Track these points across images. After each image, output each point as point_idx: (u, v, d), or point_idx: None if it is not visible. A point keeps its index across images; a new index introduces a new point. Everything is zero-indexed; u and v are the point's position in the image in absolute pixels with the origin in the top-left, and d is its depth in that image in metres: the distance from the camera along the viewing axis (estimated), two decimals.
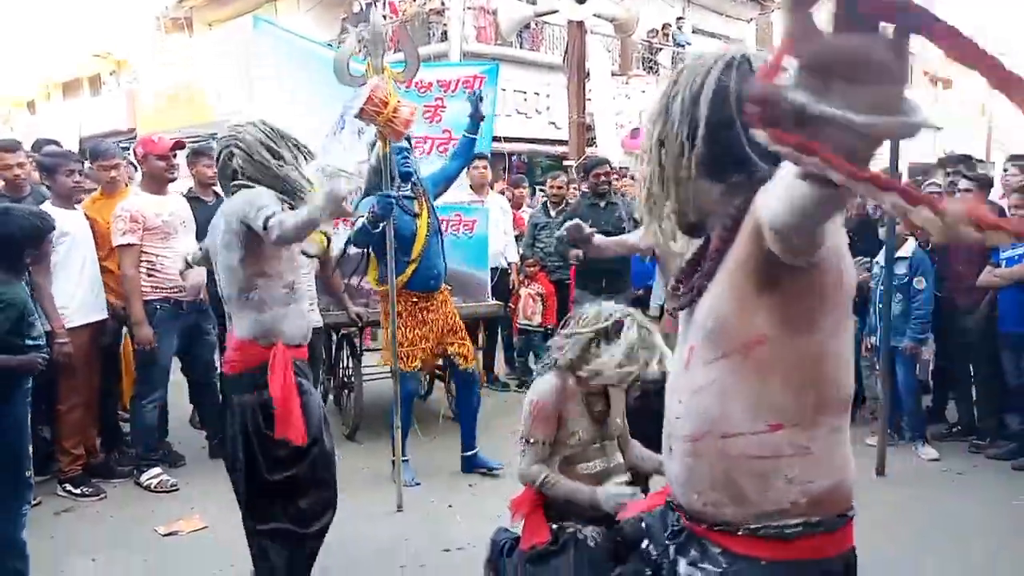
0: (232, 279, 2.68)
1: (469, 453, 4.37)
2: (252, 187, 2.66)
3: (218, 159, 2.77)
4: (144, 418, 4.13)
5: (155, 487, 4.05)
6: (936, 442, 4.80)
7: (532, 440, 2.37)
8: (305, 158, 2.81)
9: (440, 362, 4.70)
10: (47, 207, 3.96)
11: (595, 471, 2.40)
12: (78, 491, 3.93)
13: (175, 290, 4.10)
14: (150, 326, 4.00)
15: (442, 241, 4.31)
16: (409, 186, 4.10)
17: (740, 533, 1.27)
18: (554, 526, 2.34)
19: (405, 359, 4.05)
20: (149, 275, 4.07)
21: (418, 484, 4.08)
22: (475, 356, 4.53)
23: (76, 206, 4.12)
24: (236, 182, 2.71)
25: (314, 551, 2.83)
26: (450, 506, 3.83)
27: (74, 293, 3.93)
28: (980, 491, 4.11)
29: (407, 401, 4.09)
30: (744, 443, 1.24)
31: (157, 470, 4.14)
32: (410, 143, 4.21)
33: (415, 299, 4.14)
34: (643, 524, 1.61)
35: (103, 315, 4.10)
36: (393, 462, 3.93)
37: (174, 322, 4.14)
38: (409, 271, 4.07)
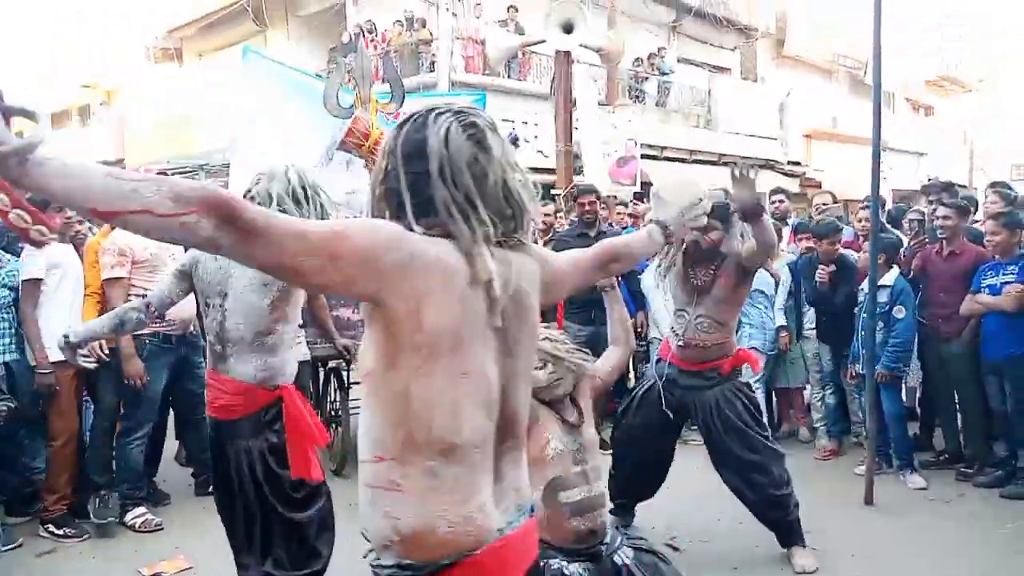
0: (253, 321, 2.63)
1: None
2: None
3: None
4: (130, 456, 4.04)
5: (139, 527, 3.97)
6: (924, 470, 4.80)
7: None
8: (327, 212, 2.76)
9: None
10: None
11: (575, 500, 2.38)
12: (60, 532, 3.84)
13: (164, 324, 4.02)
14: (140, 360, 3.93)
15: None
16: None
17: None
18: (540, 562, 2.33)
19: None
20: None
21: None
22: None
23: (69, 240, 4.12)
24: None
25: None
26: None
27: (64, 324, 3.83)
28: (968, 519, 4.11)
29: None
30: (364, 470, 1.33)
31: (142, 509, 4.05)
32: None
33: None
34: None
35: None
36: None
37: (164, 357, 4.07)
38: None
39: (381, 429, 1.29)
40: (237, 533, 2.77)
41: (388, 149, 1.37)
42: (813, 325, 5.34)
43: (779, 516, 3.52)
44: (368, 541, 1.35)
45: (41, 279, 3.82)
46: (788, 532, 3.54)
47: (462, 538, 1.27)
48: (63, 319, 3.86)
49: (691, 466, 4.33)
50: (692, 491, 4.26)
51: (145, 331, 3.93)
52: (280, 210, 2.62)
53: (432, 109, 1.39)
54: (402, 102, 4.24)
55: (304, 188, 2.66)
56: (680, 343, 3.62)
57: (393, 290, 1.23)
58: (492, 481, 1.35)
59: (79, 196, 1.08)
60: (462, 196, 1.30)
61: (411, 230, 1.28)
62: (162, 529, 3.99)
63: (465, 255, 1.27)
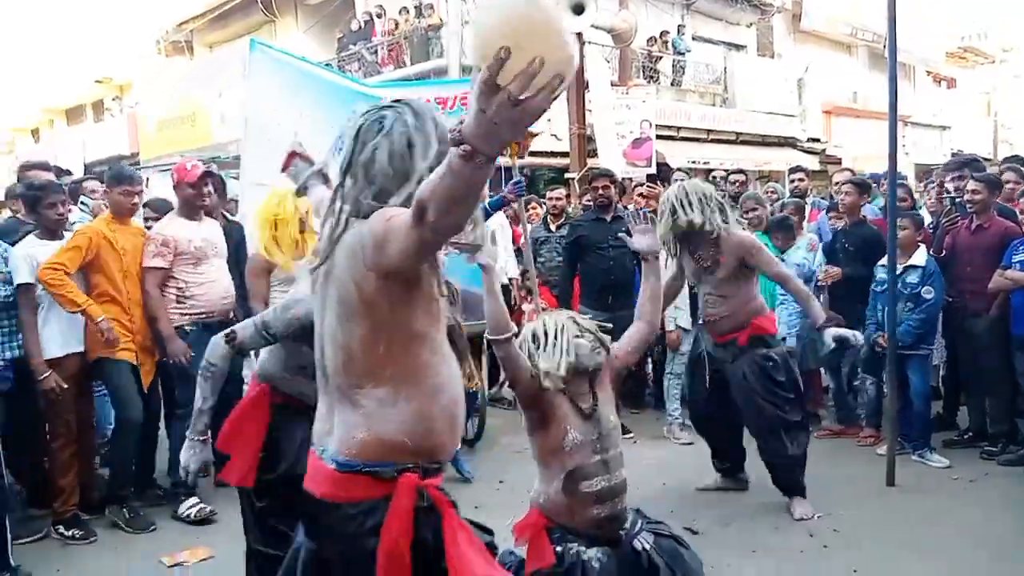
0: None
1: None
2: None
3: None
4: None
5: (195, 516, 3.96)
6: (947, 449, 4.73)
7: None
8: None
9: None
10: (31, 239, 3.96)
11: (596, 489, 2.36)
12: (69, 534, 3.79)
13: (203, 315, 4.06)
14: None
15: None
16: None
17: None
18: (558, 548, 2.31)
19: None
20: (179, 301, 4.03)
21: None
22: (476, 376, 4.52)
23: (66, 234, 4.01)
24: None
25: None
26: None
27: (69, 322, 3.86)
28: (991, 498, 4.05)
29: None
30: None
31: (195, 499, 4.02)
32: None
33: None
34: None
35: (80, 348, 3.93)
36: None
37: (208, 336, 4.06)
38: None
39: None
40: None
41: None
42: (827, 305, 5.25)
43: (789, 479, 3.90)
44: None
45: (32, 283, 3.74)
46: (793, 490, 3.91)
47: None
48: (68, 317, 3.83)
49: (708, 448, 4.31)
50: (712, 476, 4.23)
51: (184, 321, 4.03)
52: None
53: None
54: None
55: None
56: (701, 320, 4.07)
57: None
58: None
59: None
60: None
61: None
62: (216, 516, 3.97)
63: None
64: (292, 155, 2.66)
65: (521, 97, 1.08)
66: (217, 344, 2.53)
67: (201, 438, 2.55)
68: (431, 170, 1.43)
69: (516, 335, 2.43)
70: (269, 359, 2.70)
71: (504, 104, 1.09)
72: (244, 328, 2.58)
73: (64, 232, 4.03)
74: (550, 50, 1.07)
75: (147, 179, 7.43)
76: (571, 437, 2.36)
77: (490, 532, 1.83)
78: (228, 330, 2.54)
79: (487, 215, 4.56)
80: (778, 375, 3.81)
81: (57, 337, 3.88)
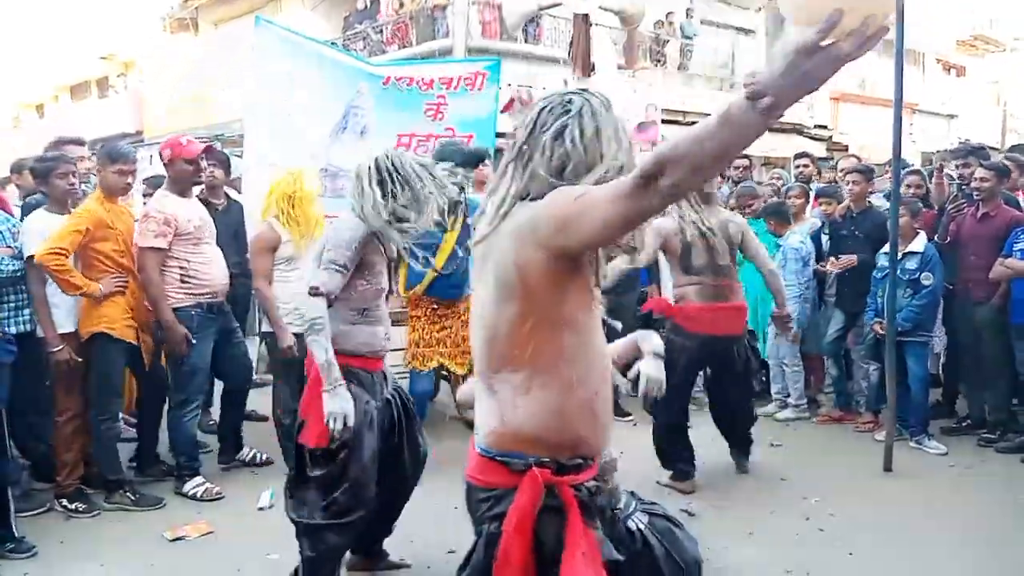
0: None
1: None
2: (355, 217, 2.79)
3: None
4: (185, 428, 4.05)
5: (201, 495, 3.98)
6: (945, 436, 4.75)
7: None
8: (418, 193, 2.82)
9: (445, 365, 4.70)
10: (41, 213, 3.93)
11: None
12: (73, 507, 3.82)
13: (208, 295, 4.02)
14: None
15: (460, 258, 4.42)
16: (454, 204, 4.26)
17: None
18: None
19: (421, 359, 4.24)
20: (183, 282, 3.94)
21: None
22: None
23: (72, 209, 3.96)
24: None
25: (338, 545, 2.86)
26: (456, 508, 3.81)
27: (68, 298, 3.84)
28: (988, 485, 4.07)
29: (419, 401, 4.15)
30: None
31: (200, 479, 4.04)
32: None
33: (435, 305, 4.35)
34: None
35: None
36: None
37: (210, 327, 4.05)
38: (427, 279, 4.28)
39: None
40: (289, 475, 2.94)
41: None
42: (835, 292, 5.26)
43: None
44: None
45: None
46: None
47: None
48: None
49: (706, 432, 4.33)
50: (707, 457, 4.25)
51: (190, 303, 3.96)
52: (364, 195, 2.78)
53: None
54: None
55: (388, 173, 2.78)
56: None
57: None
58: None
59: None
60: None
61: None
62: (223, 497, 4.01)
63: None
64: (512, 101, 2.71)
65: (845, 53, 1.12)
66: (315, 303, 2.65)
67: (339, 385, 2.67)
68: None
69: None
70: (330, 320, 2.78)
71: (826, 60, 1.12)
72: (317, 278, 2.70)
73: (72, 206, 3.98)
74: (879, 6, 1.12)
75: (151, 156, 7.42)
76: None
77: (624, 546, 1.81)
78: (311, 286, 2.67)
79: None
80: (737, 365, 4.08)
81: (69, 311, 3.88)
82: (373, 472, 2.89)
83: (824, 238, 5.40)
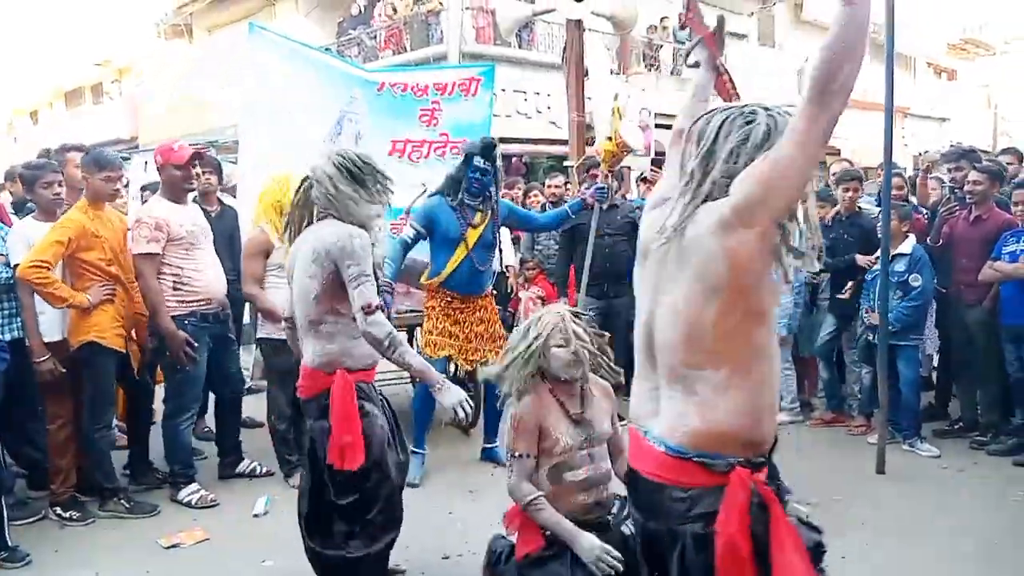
0: (305, 308, 2.71)
1: (490, 445, 4.57)
2: (339, 221, 2.68)
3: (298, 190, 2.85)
4: (180, 436, 4.05)
5: (196, 503, 3.97)
6: (937, 439, 4.77)
7: (517, 453, 2.41)
8: (385, 188, 2.78)
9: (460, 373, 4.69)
10: (28, 221, 3.94)
11: (580, 478, 2.40)
12: (67, 515, 3.80)
13: (203, 303, 3.99)
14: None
15: (494, 256, 4.51)
16: (480, 200, 4.32)
17: None
18: (548, 532, 2.35)
19: (432, 347, 4.26)
20: (175, 289, 3.91)
21: (416, 484, 4.12)
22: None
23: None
24: (320, 212, 2.76)
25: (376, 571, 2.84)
26: (450, 513, 3.83)
27: (42, 309, 3.78)
28: (980, 487, 4.09)
29: (425, 389, 4.19)
30: None
31: (195, 486, 4.04)
32: (495, 162, 4.34)
33: (450, 298, 4.35)
34: None
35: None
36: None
37: (205, 335, 4.03)
38: (446, 272, 4.30)
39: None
40: (301, 507, 2.82)
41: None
42: (827, 295, 5.28)
43: None
44: None
45: None
46: None
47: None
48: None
49: None
50: None
51: (183, 312, 3.93)
52: (330, 196, 2.69)
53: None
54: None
55: (354, 170, 2.71)
56: None
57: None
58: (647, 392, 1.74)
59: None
60: None
61: None
62: (218, 504, 4.00)
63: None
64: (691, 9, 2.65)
65: None
66: (379, 322, 2.58)
67: (443, 382, 2.66)
68: None
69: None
70: (333, 341, 2.71)
71: None
72: (366, 295, 2.58)
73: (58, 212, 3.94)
74: None
75: (146, 163, 7.41)
76: (563, 444, 2.41)
77: (819, 531, 1.77)
78: (364, 305, 2.56)
79: (566, 218, 4.68)
80: None
81: (57, 320, 3.86)
82: (400, 489, 2.89)
83: None
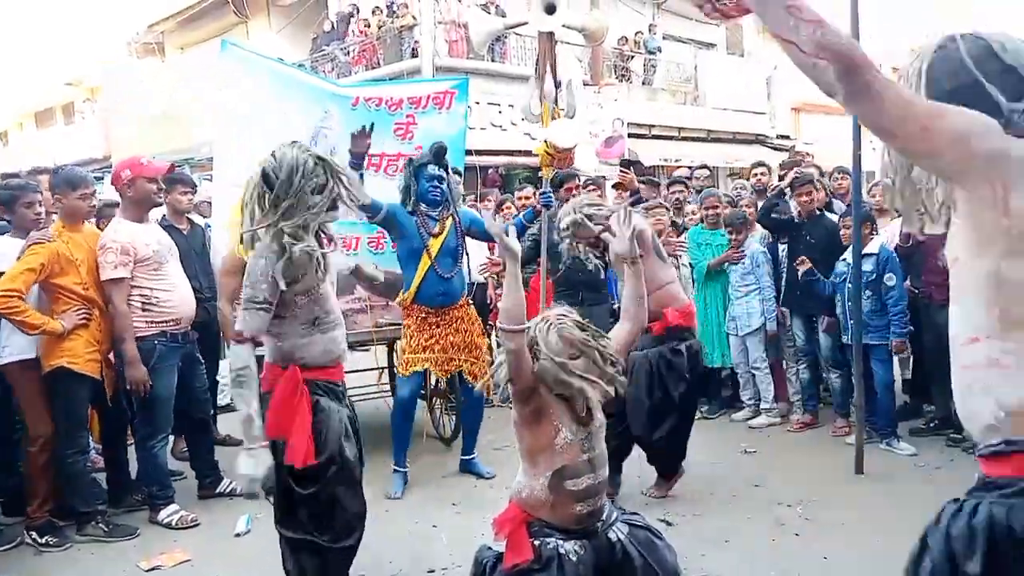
0: None
1: (467, 457, 4.55)
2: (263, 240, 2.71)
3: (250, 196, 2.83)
4: (154, 459, 4.00)
5: (176, 523, 3.93)
6: (914, 437, 4.85)
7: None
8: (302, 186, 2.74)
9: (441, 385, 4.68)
10: (6, 239, 3.88)
11: (582, 487, 2.39)
12: (43, 540, 3.73)
13: (172, 323, 3.95)
14: (149, 364, 3.83)
15: (461, 263, 4.45)
16: (438, 208, 4.31)
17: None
18: (536, 542, 2.34)
19: (406, 365, 4.23)
20: (144, 309, 3.87)
21: (399, 497, 4.13)
22: (487, 375, 4.55)
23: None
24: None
25: (341, 567, 2.85)
26: (434, 526, 3.82)
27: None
28: (958, 484, 4.10)
29: (401, 407, 4.28)
30: (958, 353, 1.38)
31: (174, 506, 3.99)
32: (447, 170, 4.34)
33: (424, 313, 4.30)
34: None
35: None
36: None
37: (173, 357, 3.99)
38: (414, 286, 4.26)
39: (975, 312, 1.34)
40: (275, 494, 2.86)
41: (951, 70, 1.44)
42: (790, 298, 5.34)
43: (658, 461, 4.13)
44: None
45: None
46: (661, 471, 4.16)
47: None
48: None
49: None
50: (684, 466, 4.30)
51: (153, 332, 3.89)
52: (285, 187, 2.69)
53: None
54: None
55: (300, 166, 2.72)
56: None
57: (980, 175, 1.30)
58: None
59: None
60: None
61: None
62: (198, 524, 3.96)
63: None
64: None
65: None
66: (237, 352, 2.68)
67: (261, 445, 2.65)
68: None
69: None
70: (285, 337, 2.77)
71: None
72: (239, 322, 2.68)
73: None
74: None
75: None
76: (562, 436, 2.38)
77: None
78: (236, 332, 2.67)
79: (523, 228, 4.62)
80: (682, 369, 3.92)
81: (33, 340, 3.77)
82: (359, 483, 2.88)
83: (781, 246, 5.49)
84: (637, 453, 4.37)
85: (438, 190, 4.24)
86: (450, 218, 4.35)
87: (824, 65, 1.28)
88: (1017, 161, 1.29)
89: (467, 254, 4.51)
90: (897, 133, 1.32)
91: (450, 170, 4.39)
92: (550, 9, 7.20)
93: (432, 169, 4.19)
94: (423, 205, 4.26)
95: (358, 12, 14.47)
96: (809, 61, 1.29)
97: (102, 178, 8.04)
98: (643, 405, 3.92)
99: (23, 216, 3.86)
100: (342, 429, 2.80)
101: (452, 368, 4.35)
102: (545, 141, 4.21)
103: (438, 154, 4.23)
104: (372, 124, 4.04)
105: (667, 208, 5.64)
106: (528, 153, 12.86)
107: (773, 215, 5.35)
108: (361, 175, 4.04)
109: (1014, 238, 1.29)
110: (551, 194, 4.52)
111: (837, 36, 1.29)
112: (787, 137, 17.71)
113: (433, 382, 4.52)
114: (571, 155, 4.34)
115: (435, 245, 4.27)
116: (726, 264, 5.44)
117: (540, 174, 4.58)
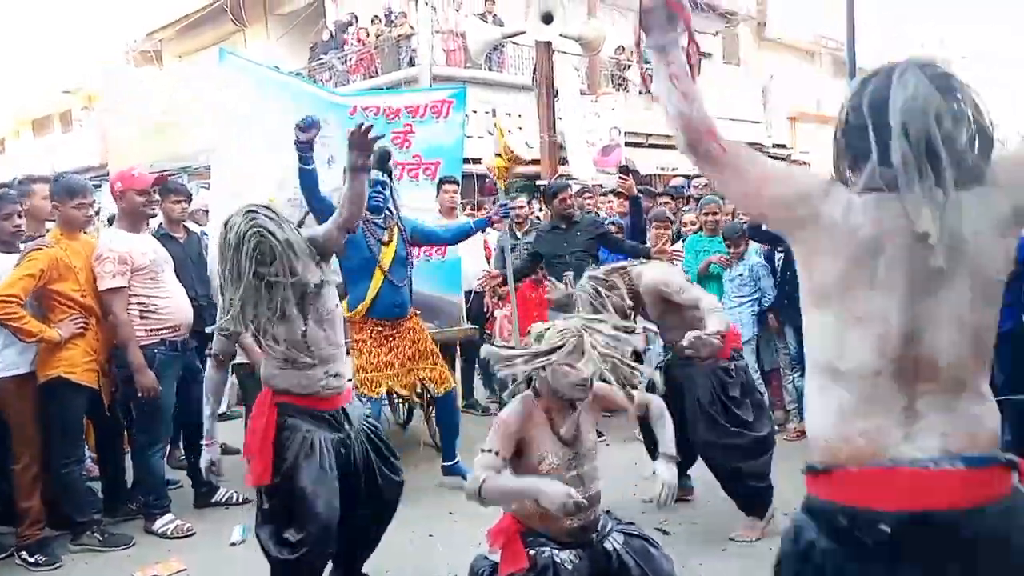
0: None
1: (449, 463, 4.49)
2: None
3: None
4: (153, 467, 3.99)
5: (172, 532, 3.91)
6: None
7: (486, 448, 2.34)
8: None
9: (419, 390, 4.66)
10: None
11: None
12: (33, 560, 3.66)
13: (170, 330, 3.96)
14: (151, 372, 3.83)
15: (410, 271, 4.36)
16: (382, 216, 4.21)
17: None
18: (531, 552, 2.34)
19: (369, 384, 4.10)
20: (143, 318, 3.87)
21: None
22: (450, 378, 4.53)
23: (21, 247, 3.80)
24: None
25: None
26: (431, 535, 3.81)
27: (8, 340, 3.66)
28: None
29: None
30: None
31: (170, 516, 3.98)
32: (390, 175, 4.29)
33: (379, 327, 4.20)
34: None
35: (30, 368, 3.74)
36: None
37: (174, 365, 4.00)
38: (369, 299, 4.14)
39: (806, 348, 1.51)
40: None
41: (851, 105, 1.49)
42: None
43: (738, 494, 3.75)
44: None
45: None
46: (747, 507, 3.73)
47: (848, 450, 1.41)
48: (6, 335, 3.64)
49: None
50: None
51: (152, 341, 3.89)
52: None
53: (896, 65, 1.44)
54: None
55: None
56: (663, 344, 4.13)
57: (795, 239, 1.47)
58: (898, 414, 1.39)
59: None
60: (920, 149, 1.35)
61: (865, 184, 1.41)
62: (194, 534, 3.94)
63: (906, 208, 1.35)
64: None
65: None
66: (208, 375, 3.07)
67: (211, 443, 3.15)
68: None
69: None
70: (265, 363, 2.91)
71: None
72: (214, 343, 3.01)
73: (20, 244, 3.83)
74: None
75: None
76: (548, 462, 2.39)
77: None
78: (211, 354, 3.00)
79: (469, 233, 4.62)
80: (733, 390, 3.69)
81: (25, 354, 3.72)
82: (325, 504, 2.79)
83: (778, 255, 5.49)
84: (634, 461, 4.37)
85: (380, 196, 4.13)
86: (396, 226, 4.27)
87: (678, 132, 1.49)
88: (825, 227, 1.41)
89: (412, 263, 4.44)
90: (732, 197, 1.58)
91: (392, 176, 4.33)
92: (547, 19, 7.26)
93: (375, 174, 4.02)
94: (367, 212, 4.08)
95: (356, 21, 14.53)
96: (671, 125, 1.49)
97: (100, 186, 8.05)
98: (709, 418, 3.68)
99: (3, 228, 3.76)
100: (303, 449, 2.76)
101: (411, 380, 4.29)
102: (503, 154, 4.29)
103: (381, 159, 4.08)
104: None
105: (672, 221, 5.66)
106: (525, 162, 12.92)
107: (764, 227, 5.35)
108: None
109: (815, 295, 1.46)
110: (507, 205, 4.63)
111: (693, 111, 1.48)
112: (783, 146, 17.78)
113: (397, 401, 4.49)
114: (522, 159, 4.54)
115: (387, 255, 4.17)
116: (724, 274, 5.42)
117: (496, 182, 4.63)
